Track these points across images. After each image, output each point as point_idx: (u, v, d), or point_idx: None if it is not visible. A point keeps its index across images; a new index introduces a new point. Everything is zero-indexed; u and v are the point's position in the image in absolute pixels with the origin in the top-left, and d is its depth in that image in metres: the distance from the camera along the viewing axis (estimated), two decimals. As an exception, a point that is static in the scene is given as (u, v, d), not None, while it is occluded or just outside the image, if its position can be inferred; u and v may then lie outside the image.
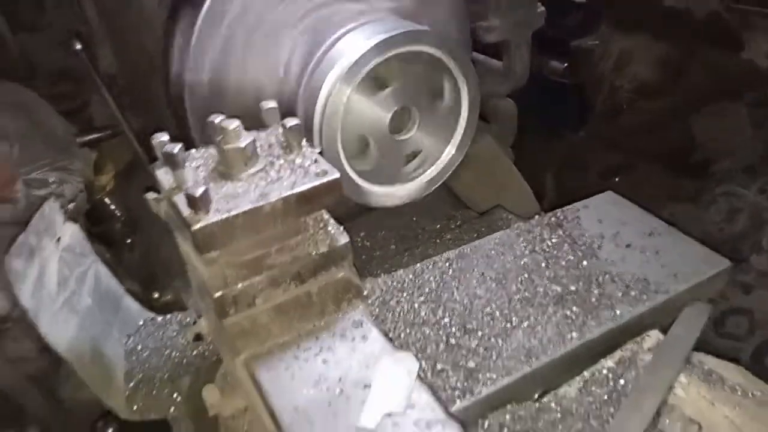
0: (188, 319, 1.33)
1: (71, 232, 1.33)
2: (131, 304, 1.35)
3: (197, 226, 0.83)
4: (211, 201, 0.84)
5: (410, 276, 1.31)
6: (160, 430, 1.19)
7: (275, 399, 0.88)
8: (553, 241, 1.39)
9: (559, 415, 1.09)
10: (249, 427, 1.09)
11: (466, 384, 1.09)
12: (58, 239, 1.29)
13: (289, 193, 0.88)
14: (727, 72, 2.95)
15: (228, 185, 0.90)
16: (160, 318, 1.34)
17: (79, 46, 1.93)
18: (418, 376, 0.90)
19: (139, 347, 1.27)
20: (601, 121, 3.14)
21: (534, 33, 3.13)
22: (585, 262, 1.33)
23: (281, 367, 0.93)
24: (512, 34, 1.99)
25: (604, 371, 1.16)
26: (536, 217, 1.46)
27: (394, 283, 1.30)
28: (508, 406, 1.10)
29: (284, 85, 1.38)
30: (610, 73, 3.08)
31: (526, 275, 1.31)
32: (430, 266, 1.34)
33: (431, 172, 1.51)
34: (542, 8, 2.02)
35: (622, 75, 3.05)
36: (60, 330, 1.17)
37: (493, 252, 1.38)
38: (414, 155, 1.53)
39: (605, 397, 1.11)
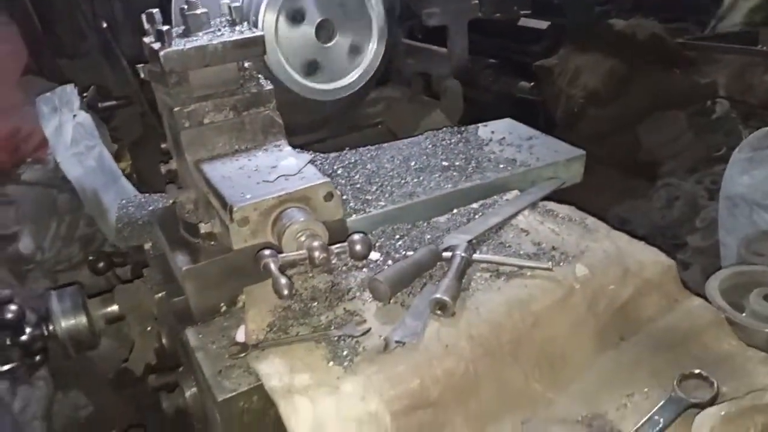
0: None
1: (85, 116, 1.78)
2: (126, 184, 1.77)
3: (163, 52, 1.27)
4: (173, 37, 1.28)
5: (336, 155, 1.73)
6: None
7: (210, 174, 1.28)
8: (452, 140, 1.80)
9: (428, 229, 1.46)
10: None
11: (361, 207, 1.49)
12: (74, 116, 1.73)
13: (227, 40, 1.32)
14: (670, 86, 3.36)
15: (189, 38, 1.34)
16: (147, 195, 1.76)
17: (105, 25, 2.44)
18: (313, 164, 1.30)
19: (129, 207, 1.68)
20: (561, 130, 3.54)
21: (504, 58, 3.65)
22: (471, 151, 1.73)
23: (218, 162, 1.33)
24: (451, 20, 2.47)
25: (470, 209, 1.53)
26: (443, 129, 1.88)
27: (325, 159, 1.71)
28: (391, 226, 1.48)
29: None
30: (566, 86, 3.49)
31: (424, 157, 1.71)
32: (353, 151, 1.75)
33: (363, 65, 2.01)
34: (476, 1, 2.51)
35: (576, 86, 3.46)
36: (70, 169, 1.59)
37: (403, 146, 1.79)
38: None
39: (465, 221, 1.48)
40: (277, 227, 1.17)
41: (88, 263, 1.89)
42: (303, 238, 1.16)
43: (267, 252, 1.12)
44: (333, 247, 1.16)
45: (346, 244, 1.17)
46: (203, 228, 1.25)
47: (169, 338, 1.57)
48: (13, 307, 1.37)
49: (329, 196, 1.23)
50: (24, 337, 1.37)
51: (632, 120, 3.40)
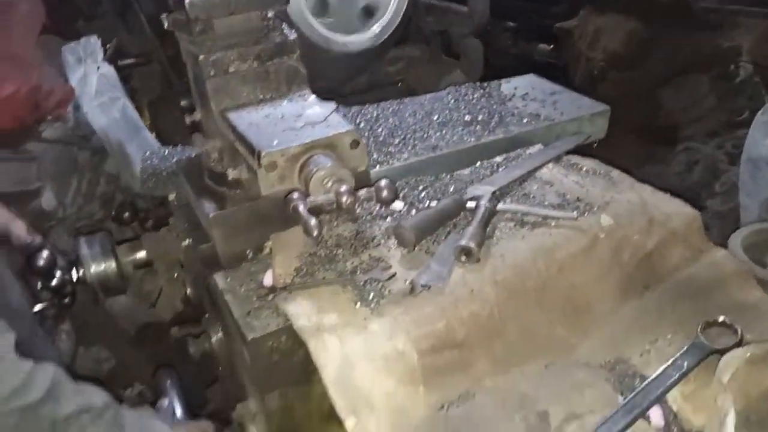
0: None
1: (108, 68, 1.79)
2: (149, 136, 1.79)
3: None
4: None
5: (358, 109, 1.73)
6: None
7: (237, 122, 1.29)
8: (474, 96, 1.79)
9: (451, 181, 1.47)
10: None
11: (384, 159, 1.49)
12: (98, 67, 1.74)
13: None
14: (692, 49, 3.30)
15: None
16: (170, 147, 1.77)
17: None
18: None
19: (153, 159, 1.69)
20: (580, 93, 3.50)
21: (523, 21, 3.59)
22: (494, 106, 1.72)
23: (243, 111, 1.34)
24: (472, -21, 2.43)
25: (494, 162, 1.53)
26: (465, 84, 1.87)
27: (347, 113, 1.71)
28: (414, 178, 1.48)
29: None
30: (585, 49, 3.44)
31: (446, 112, 1.70)
32: (375, 106, 1.75)
33: (382, 21, 1.98)
34: (496, -41, 2.46)
35: (596, 48, 3.40)
36: (95, 119, 1.60)
37: (425, 101, 1.78)
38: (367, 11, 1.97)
39: (488, 173, 1.49)
40: (304, 173, 1.18)
41: (114, 213, 1.91)
42: (330, 184, 1.17)
43: (296, 195, 1.13)
44: (359, 192, 1.17)
45: (372, 189, 1.18)
46: (231, 174, 1.26)
47: (195, 287, 1.60)
48: (45, 254, 1.39)
49: (355, 144, 1.24)
50: (54, 282, 1.40)
51: (653, 84, 3.34)
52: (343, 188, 1.13)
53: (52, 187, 2.58)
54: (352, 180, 1.18)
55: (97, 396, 0.92)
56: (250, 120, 1.29)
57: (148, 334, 2.27)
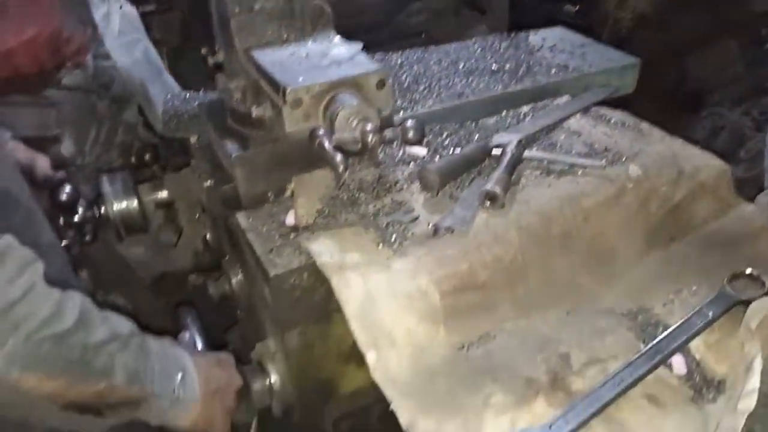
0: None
1: (130, 9, 1.76)
2: (170, 79, 1.77)
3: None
4: None
5: (381, 56, 1.70)
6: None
7: (261, 59, 1.27)
8: (502, 45, 1.75)
9: (476, 129, 1.44)
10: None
11: (408, 105, 1.47)
12: (120, 6, 1.72)
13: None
14: (722, 13, 3.20)
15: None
16: (191, 91, 1.76)
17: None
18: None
19: (175, 101, 1.68)
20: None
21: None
22: (522, 56, 1.69)
23: (268, 50, 1.31)
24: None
25: (520, 112, 1.50)
26: (492, 34, 1.83)
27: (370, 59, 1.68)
28: (438, 125, 1.46)
29: None
30: (614, 8, 3.35)
31: (472, 60, 1.67)
32: (399, 53, 1.72)
33: None
34: None
35: (624, 8, 3.31)
36: (119, 57, 1.59)
37: (450, 49, 1.75)
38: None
39: (514, 122, 1.46)
40: (330, 111, 1.16)
41: (135, 153, 1.91)
42: (355, 123, 1.15)
43: (321, 131, 1.12)
44: (386, 131, 1.15)
45: (398, 129, 1.16)
46: (255, 112, 1.25)
47: (215, 230, 1.60)
48: (67, 188, 1.40)
49: (381, 84, 1.21)
50: (76, 218, 1.40)
51: (681, 47, 3.26)
52: (369, 127, 1.11)
53: (71, 135, 2.59)
54: (378, 119, 1.16)
55: (123, 324, 0.92)
56: (274, 58, 1.27)
57: (165, 284, 2.29)
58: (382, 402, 1.34)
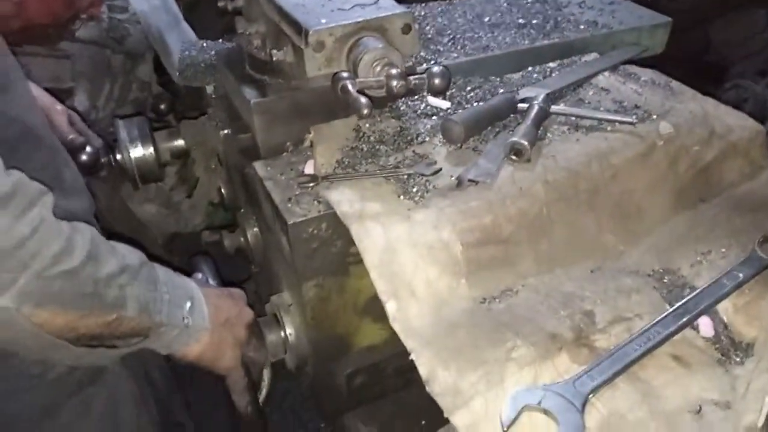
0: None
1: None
2: (187, 28, 1.73)
3: None
4: None
5: (404, 8, 1.64)
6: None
7: (283, 1, 1.22)
8: (528, 0, 1.69)
9: (501, 84, 1.40)
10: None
11: (432, 57, 1.42)
12: (139, -47, 1.67)
13: None
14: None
15: None
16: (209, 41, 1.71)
17: None
18: None
19: (192, 50, 1.64)
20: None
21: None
22: (549, 12, 1.63)
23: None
24: None
25: (547, 68, 1.45)
26: (517, -10, 1.77)
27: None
28: (462, 78, 1.41)
29: None
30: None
31: (498, 14, 1.62)
32: (422, 5, 1.67)
33: None
34: None
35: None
36: (137, 2, 1.56)
37: (475, 2, 1.70)
38: None
39: (541, 78, 1.41)
40: (353, 55, 1.12)
41: (151, 103, 1.88)
42: (379, 68, 1.11)
43: (345, 74, 1.08)
44: (411, 77, 1.11)
45: (424, 75, 1.12)
46: (276, 56, 1.21)
47: (230, 184, 1.58)
48: (89, 150, 1.37)
49: (407, 29, 1.17)
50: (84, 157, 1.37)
51: (705, 14, 3.16)
52: (394, 71, 1.07)
53: (85, 89, 2.56)
54: (403, 64, 1.12)
55: (132, 255, 0.90)
56: (296, 0, 1.22)
57: (177, 244, 2.28)
58: (396, 358, 1.34)
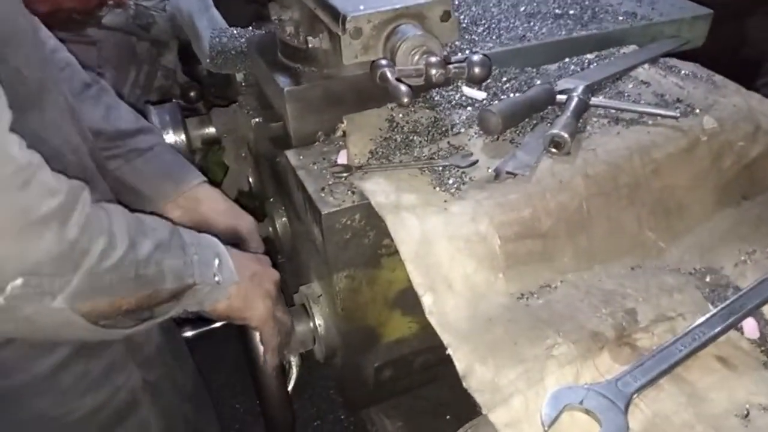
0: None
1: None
2: (217, 15, 1.71)
3: None
4: None
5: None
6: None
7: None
8: (563, -9, 1.65)
9: (537, 75, 1.37)
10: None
11: (467, 46, 1.39)
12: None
13: None
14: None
15: None
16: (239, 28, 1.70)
17: None
18: None
19: (222, 37, 1.62)
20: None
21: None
22: (587, 2, 1.59)
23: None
24: None
25: (584, 59, 1.42)
26: (553, -20, 1.72)
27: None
28: (498, 69, 1.38)
29: None
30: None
31: (534, 4, 1.58)
32: (456, -6, 1.64)
33: None
34: None
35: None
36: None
37: (512, -8, 1.66)
38: None
39: (578, 69, 1.38)
40: (391, 43, 1.10)
41: (181, 90, 1.87)
42: (418, 56, 1.08)
43: (383, 62, 1.06)
44: (450, 65, 1.08)
45: (464, 64, 1.09)
46: (310, 43, 1.18)
47: (258, 173, 1.56)
48: None
49: (446, 16, 1.14)
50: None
51: (743, 8, 3.08)
52: (434, 59, 1.04)
53: (111, 75, 2.57)
54: (442, 52, 1.09)
55: (161, 228, 0.90)
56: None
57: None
58: (424, 353, 1.32)
